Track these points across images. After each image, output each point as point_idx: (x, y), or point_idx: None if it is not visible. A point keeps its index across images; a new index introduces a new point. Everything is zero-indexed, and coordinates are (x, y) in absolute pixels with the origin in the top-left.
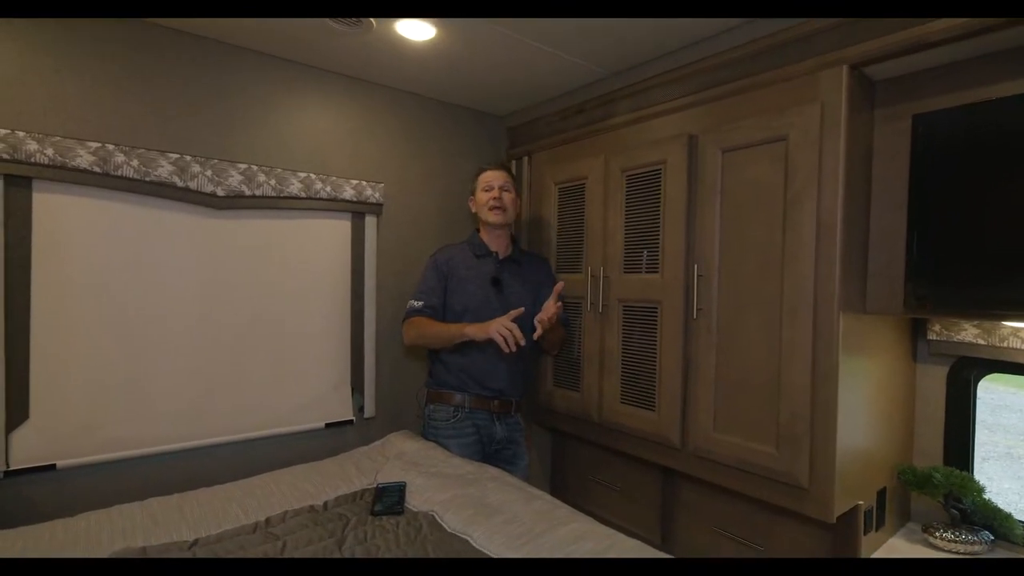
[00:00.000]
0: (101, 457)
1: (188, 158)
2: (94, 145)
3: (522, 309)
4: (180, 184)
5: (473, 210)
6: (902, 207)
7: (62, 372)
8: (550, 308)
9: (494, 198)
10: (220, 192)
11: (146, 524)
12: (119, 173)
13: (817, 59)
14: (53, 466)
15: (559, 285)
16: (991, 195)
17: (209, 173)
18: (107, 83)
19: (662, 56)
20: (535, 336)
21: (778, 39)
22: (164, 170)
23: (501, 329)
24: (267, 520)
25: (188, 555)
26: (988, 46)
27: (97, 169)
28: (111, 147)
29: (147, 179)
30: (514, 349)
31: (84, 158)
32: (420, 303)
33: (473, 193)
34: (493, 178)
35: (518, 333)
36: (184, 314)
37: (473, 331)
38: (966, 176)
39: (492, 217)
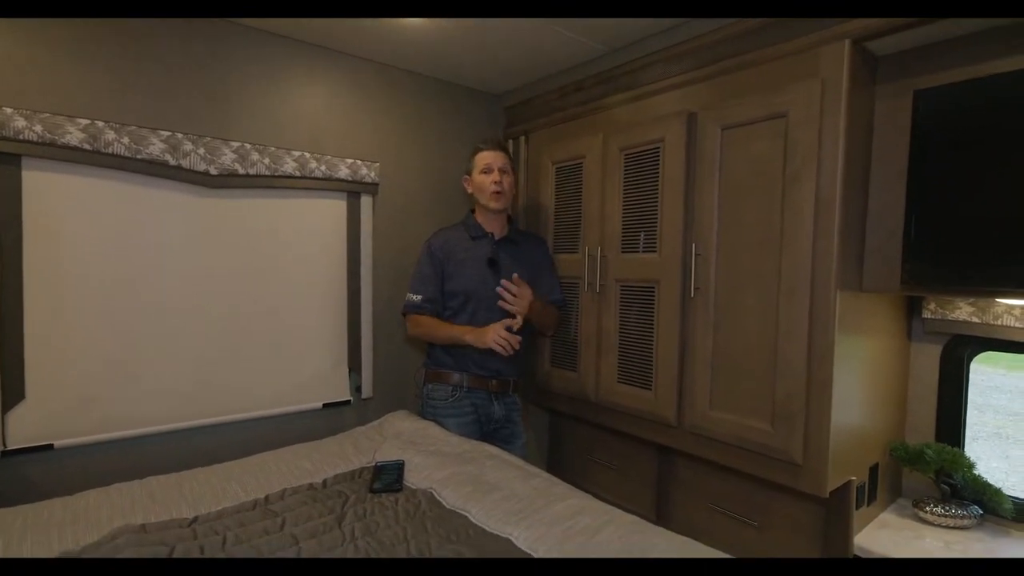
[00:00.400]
0: (99, 437)
1: (180, 135)
2: (84, 122)
3: (517, 321)
4: (172, 162)
5: (469, 190)
6: (901, 184)
7: (58, 352)
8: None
9: (495, 182)
10: (213, 171)
11: (145, 502)
12: (110, 150)
13: (818, 34)
14: (51, 446)
15: (514, 278)
16: (990, 172)
17: (202, 151)
18: (97, 60)
19: (661, 32)
20: (514, 327)
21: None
22: (156, 148)
23: (498, 339)
24: (266, 498)
25: (188, 532)
26: (992, 20)
27: (87, 146)
28: (101, 124)
29: (138, 156)
30: (511, 353)
31: (74, 135)
32: (419, 297)
33: (469, 173)
34: (492, 159)
35: (514, 340)
36: (179, 293)
37: (472, 339)
38: (966, 153)
39: (493, 203)
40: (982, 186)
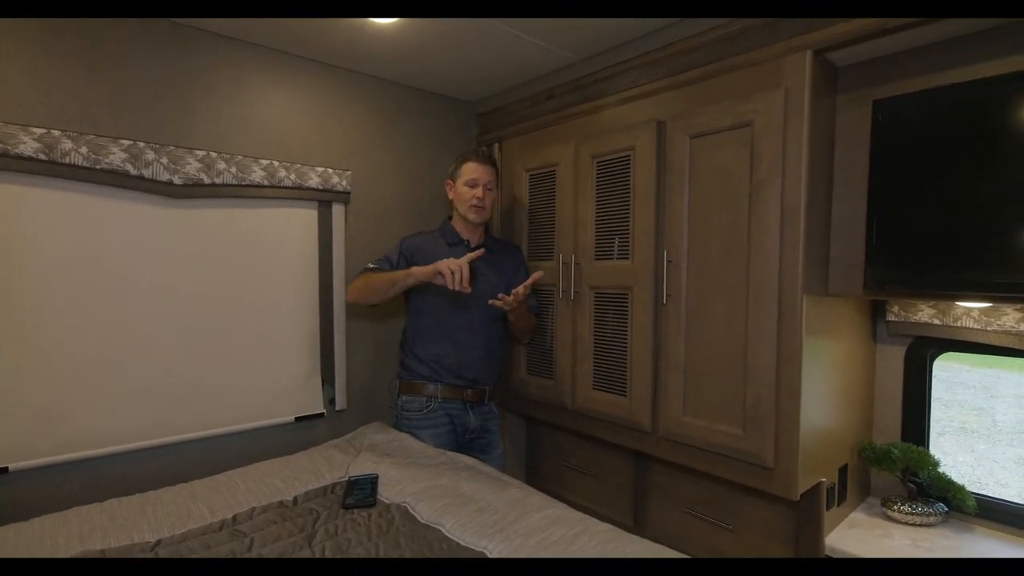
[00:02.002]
0: (58, 458)
1: (142, 144)
2: (39, 131)
3: (482, 251)
4: (134, 172)
5: (450, 196)
6: (863, 192)
7: (13, 370)
8: (519, 291)
9: (478, 197)
10: (177, 180)
11: (105, 526)
12: (67, 161)
13: (782, 44)
14: (5, 469)
15: (538, 274)
16: (947, 180)
17: (165, 160)
18: (52, 66)
19: (631, 41)
20: (490, 302)
21: (743, 24)
22: (116, 157)
23: (451, 264)
24: (234, 518)
25: (151, 556)
26: (949, 32)
27: (42, 156)
28: (57, 133)
29: (98, 167)
30: (458, 288)
31: (28, 145)
32: (373, 265)
33: (453, 178)
34: (480, 174)
35: (466, 272)
36: (144, 307)
37: (420, 271)
38: (923, 161)
39: (472, 215)
40: (939, 193)
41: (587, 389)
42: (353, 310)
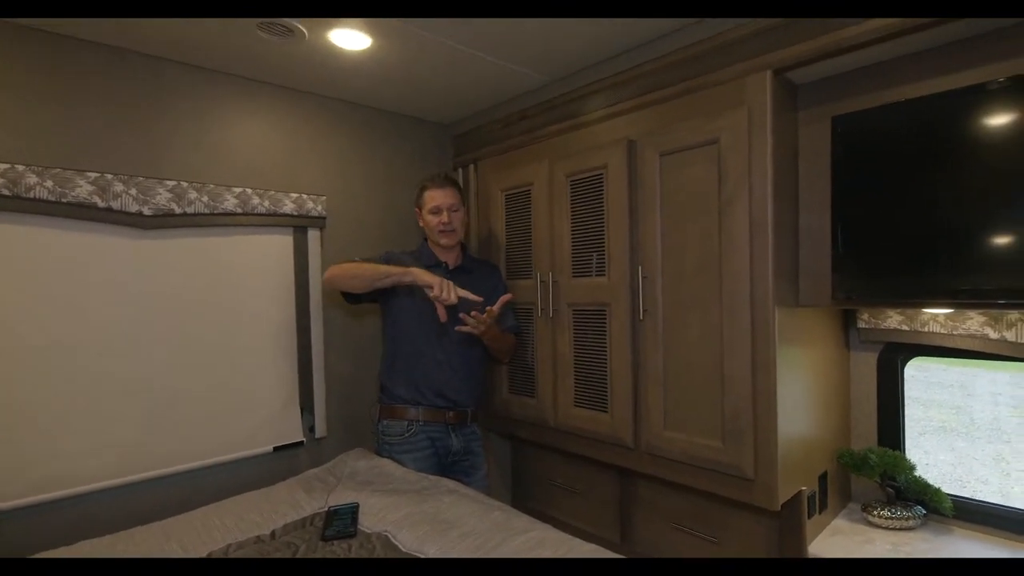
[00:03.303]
0: (25, 501)
1: (109, 176)
2: (2, 166)
3: (469, 294)
4: (101, 204)
5: (421, 224)
6: (827, 204)
7: None
8: (483, 317)
9: (444, 223)
10: (147, 211)
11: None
12: (31, 195)
13: (743, 64)
14: None
15: (505, 297)
16: (905, 191)
17: (134, 192)
18: (14, 98)
19: (600, 62)
20: (458, 329)
21: (707, 46)
22: (83, 190)
23: (445, 283)
24: (208, 556)
25: None
26: (904, 48)
27: (6, 192)
28: (21, 168)
29: (64, 200)
30: (446, 299)
31: None
32: (360, 259)
33: (419, 207)
34: (441, 199)
35: (455, 294)
36: (116, 341)
37: (420, 273)
38: (882, 174)
39: (443, 240)
40: (899, 203)
41: (569, 406)
42: (332, 336)
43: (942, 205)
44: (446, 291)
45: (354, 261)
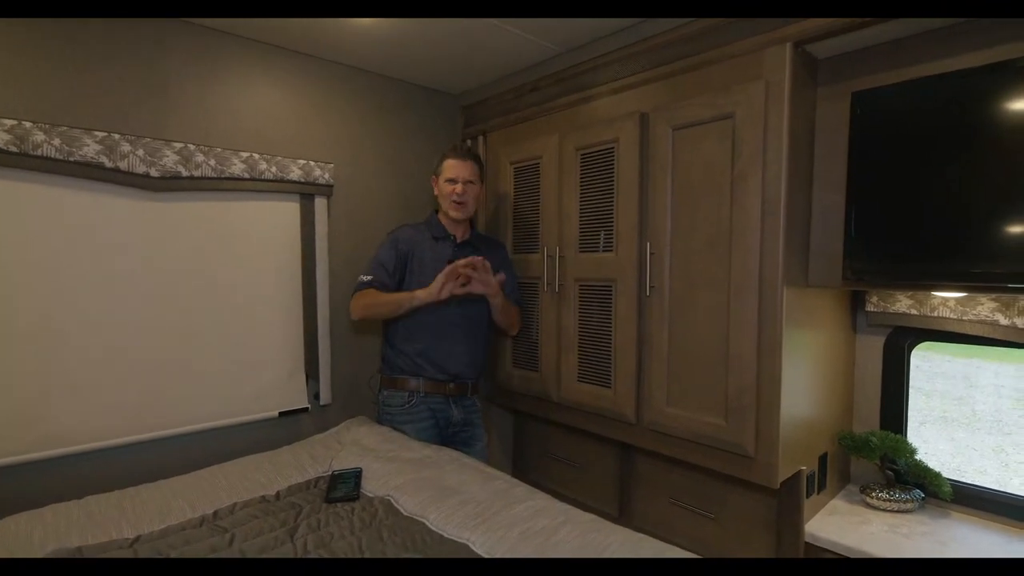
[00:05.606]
0: (36, 455)
1: (117, 136)
2: (10, 123)
3: (471, 259)
4: (109, 164)
5: (436, 192)
6: (842, 183)
7: None
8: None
9: (457, 193)
10: (154, 173)
11: (83, 523)
12: (39, 152)
13: (762, 37)
14: None
15: (502, 276)
16: (925, 172)
17: (141, 153)
18: (23, 56)
19: (613, 34)
20: (456, 267)
21: (725, 17)
22: (90, 149)
23: (448, 287)
24: (215, 513)
25: (129, 553)
26: (928, 24)
27: (13, 148)
28: (29, 124)
29: (71, 159)
30: (467, 280)
31: None
32: (369, 278)
33: (436, 174)
34: (459, 170)
35: (447, 291)
36: (123, 301)
37: (424, 295)
38: (901, 153)
39: (453, 212)
40: (916, 185)
41: (572, 381)
42: (337, 304)
43: (960, 186)
44: (445, 292)
45: (365, 289)
